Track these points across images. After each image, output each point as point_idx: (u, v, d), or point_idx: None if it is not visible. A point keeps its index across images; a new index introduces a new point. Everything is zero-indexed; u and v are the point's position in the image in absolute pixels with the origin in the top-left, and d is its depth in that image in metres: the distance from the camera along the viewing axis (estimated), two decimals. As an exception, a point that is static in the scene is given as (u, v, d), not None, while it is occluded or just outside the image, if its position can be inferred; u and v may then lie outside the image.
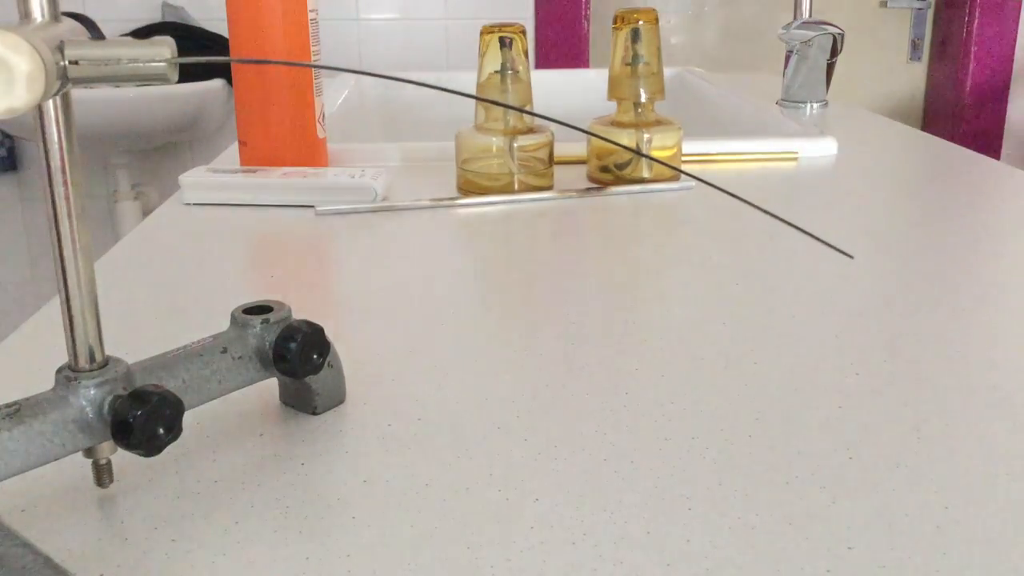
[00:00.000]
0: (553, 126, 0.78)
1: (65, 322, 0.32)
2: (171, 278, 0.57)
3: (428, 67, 2.26)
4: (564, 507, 0.34)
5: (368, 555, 0.31)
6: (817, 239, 0.34)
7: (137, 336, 0.49)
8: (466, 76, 1.33)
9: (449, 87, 0.25)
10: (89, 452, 0.33)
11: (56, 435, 0.31)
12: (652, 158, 0.29)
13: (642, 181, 0.78)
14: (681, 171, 0.30)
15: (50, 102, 0.29)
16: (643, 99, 0.77)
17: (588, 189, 0.76)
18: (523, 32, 0.75)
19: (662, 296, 0.54)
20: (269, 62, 0.27)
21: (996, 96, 2.42)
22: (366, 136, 1.22)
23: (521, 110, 0.24)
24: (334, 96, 1.15)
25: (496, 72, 0.75)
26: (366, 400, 0.42)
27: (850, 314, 0.51)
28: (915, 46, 2.50)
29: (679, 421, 0.40)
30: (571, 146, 0.86)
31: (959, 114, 2.42)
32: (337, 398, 0.41)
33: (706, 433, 0.39)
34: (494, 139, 0.74)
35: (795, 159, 0.89)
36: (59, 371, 0.32)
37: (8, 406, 0.31)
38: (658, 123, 0.78)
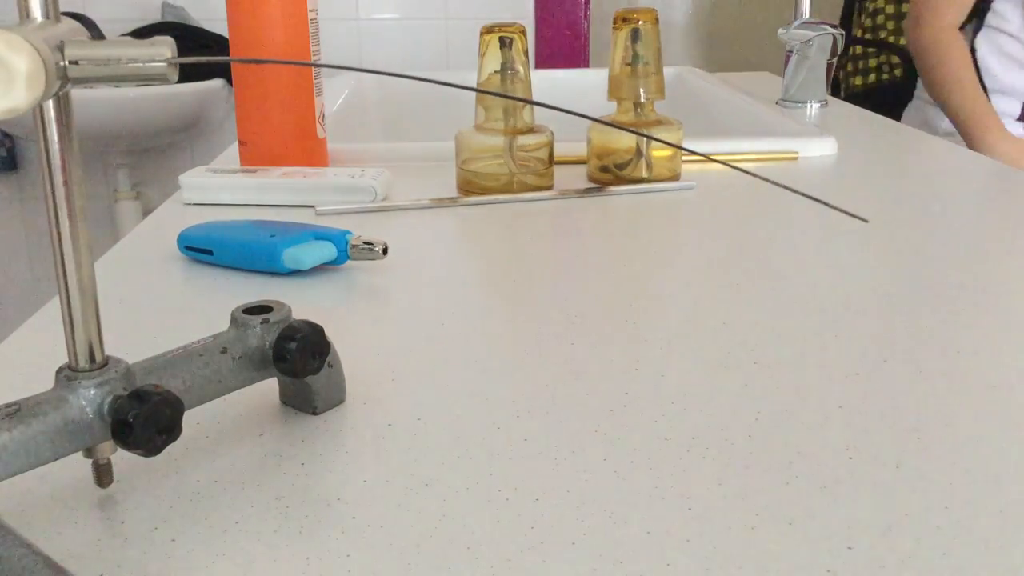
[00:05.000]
0: (553, 126, 0.78)
1: (65, 322, 0.32)
2: (171, 278, 0.57)
3: (428, 67, 2.26)
4: (564, 507, 0.34)
5: (368, 555, 0.31)
6: (830, 206, 0.34)
7: (137, 336, 0.49)
8: (466, 76, 1.33)
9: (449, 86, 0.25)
10: (89, 452, 0.33)
11: (56, 435, 0.31)
12: (659, 140, 0.29)
13: (642, 181, 0.78)
14: (690, 151, 0.30)
15: (50, 102, 0.29)
16: (643, 99, 0.77)
17: (588, 189, 0.76)
18: (523, 32, 0.75)
19: (662, 296, 0.54)
20: (269, 61, 0.27)
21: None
22: (366, 136, 1.22)
23: (528, 101, 0.25)
24: (334, 96, 1.15)
25: (496, 72, 0.75)
26: (366, 400, 0.42)
27: (850, 313, 0.51)
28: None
29: (679, 421, 0.40)
30: (571, 146, 0.86)
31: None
32: (337, 398, 0.41)
33: (706, 433, 0.39)
34: (494, 139, 0.74)
35: (795, 159, 0.89)
36: (59, 371, 0.32)
37: (8, 406, 0.31)
38: (658, 123, 0.78)
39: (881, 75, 1.68)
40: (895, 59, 1.64)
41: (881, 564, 0.30)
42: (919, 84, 1.62)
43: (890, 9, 1.68)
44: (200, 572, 0.30)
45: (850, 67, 1.74)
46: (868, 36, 1.71)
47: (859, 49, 1.72)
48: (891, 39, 1.63)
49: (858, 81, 1.72)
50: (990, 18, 1.55)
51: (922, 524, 0.33)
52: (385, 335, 0.49)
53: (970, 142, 1.49)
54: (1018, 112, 1.57)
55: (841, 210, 0.30)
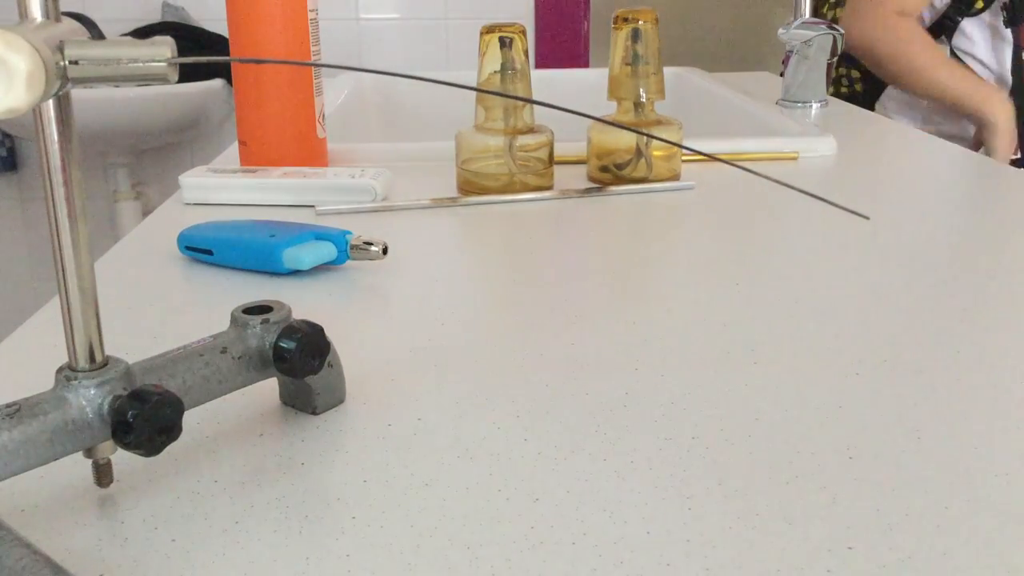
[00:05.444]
0: (553, 126, 0.78)
1: (65, 322, 0.32)
2: (171, 278, 0.57)
3: (428, 67, 2.26)
4: (564, 507, 0.34)
5: (368, 555, 0.31)
6: (832, 203, 0.34)
7: (137, 336, 0.49)
8: (466, 76, 1.33)
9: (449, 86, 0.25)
10: (89, 452, 0.33)
11: (56, 435, 0.31)
12: (662, 139, 0.29)
13: (642, 181, 0.78)
14: (695, 151, 0.30)
15: (50, 102, 0.29)
16: (643, 99, 0.77)
17: (588, 189, 0.76)
18: (523, 32, 0.75)
19: (662, 296, 0.54)
20: (269, 61, 0.27)
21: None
22: (366, 136, 1.22)
23: (528, 100, 0.25)
24: (334, 96, 1.15)
25: (496, 72, 0.75)
26: (366, 400, 0.42)
27: (850, 313, 0.51)
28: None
29: (679, 421, 0.40)
30: (571, 146, 0.86)
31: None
32: (337, 398, 0.41)
33: (706, 433, 0.39)
34: (494, 139, 0.74)
35: (795, 159, 0.89)
36: (59, 371, 0.32)
37: (8, 406, 0.31)
38: (658, 123, 0.78)
39: (840, 88, 1.66)
40: (855, 72, 1.61)
41: (881, 564, 0.30)
42: (881, 98, 1.59)
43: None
44: (200, 572, 0.30)
45: None
46: None
47: None
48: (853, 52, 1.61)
49: None
50: (958, 40, 1.51)
51: (922, 524, 0.33)
52: (385, 335, 0.49)
53: (972, 114, 1.43)
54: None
55: (843, 207, 0.30)
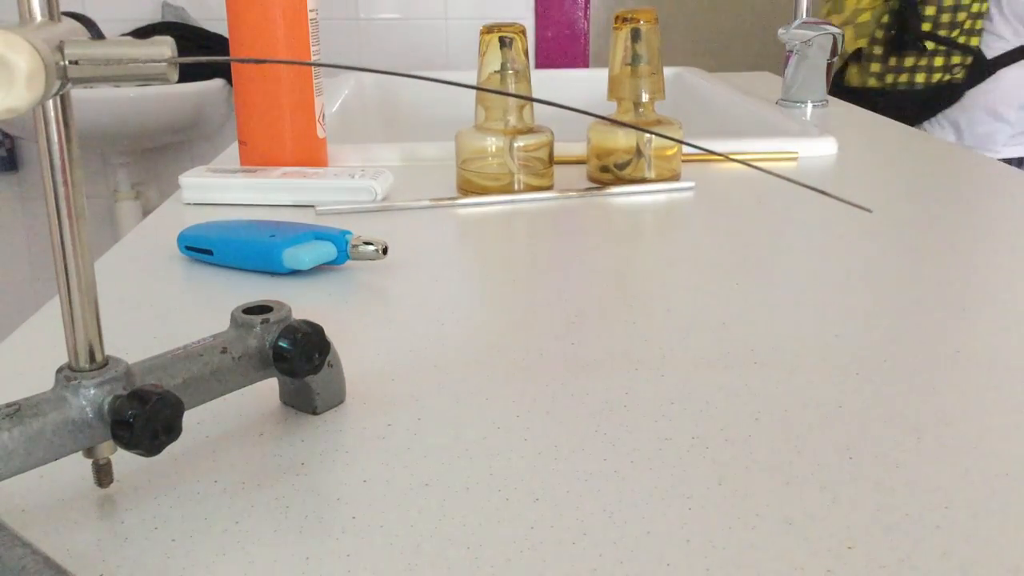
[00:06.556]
0: (553, 126, 0.78)
1: (65, 322, 0.32)
2: (171, 278, 0.57)
3: (428, 67, 2.26)
4: (564, 507, 0.34)
5: (368, 555, 0.31)
6: (834, 197, 0.34)
7: (137, 336, 0.49)
8: (466, 76, 1.33)
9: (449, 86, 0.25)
10: (89, 452, 0.33)
11: (56, 435, 0.31)
12: (666, 136, 0.29)
13: (642, 181, 0.78)
14: (702, 149, 0.30)
15: (50, 102, 0.29)
16: (643, 99, 0.77)
17: (588, 189, 0.76)
18: (523, 32, 0.75)
19: (662, 296, 0.54)
20: (269, 61, 0.27)
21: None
22: (366, 136, 1.22)
23: (530, 99, 0.25)
24: (334, 96, 1.15)
25: (496, 72, 0.75)
26: (366, 400, 0.42)
27: (850, 314, 0.51)
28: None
29: (679, 421, 0.40)
30: (571, 146, 0.86)
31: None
32: (337, 398, 0.41)
33: (706, 433, 0.39)
34: (494, 139, 0.74)
35: (795, 159, 0.89)
36: (59, 371, 0.32)
37: (8, 406, 0.31)
38: (658, 123, 0.78)
39: (934, 75, 1.65)
40: (962, 59, 1.60)
41: (881, 564, 0.30)
42: (969, 91, 1.59)
43: (970, 8, 1.62)
44: (200, 572, 0.30)
45: (911, 62, 1.66)
46: (943, 33, 1.62)
47: (931, 45, 1.64)
48: (962, 39, 1.59)
49: (921, 78, 1.66)
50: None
51: (922, 524, 0.33)
52: (385, 335, 0.49)
53: None
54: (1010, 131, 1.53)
55: (846, 201, 0.30)
